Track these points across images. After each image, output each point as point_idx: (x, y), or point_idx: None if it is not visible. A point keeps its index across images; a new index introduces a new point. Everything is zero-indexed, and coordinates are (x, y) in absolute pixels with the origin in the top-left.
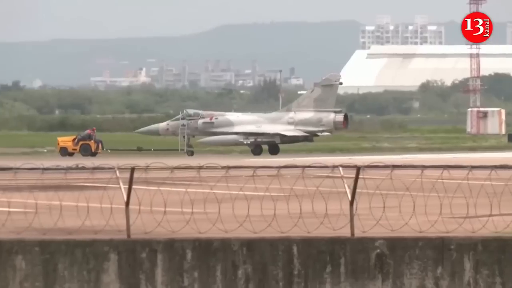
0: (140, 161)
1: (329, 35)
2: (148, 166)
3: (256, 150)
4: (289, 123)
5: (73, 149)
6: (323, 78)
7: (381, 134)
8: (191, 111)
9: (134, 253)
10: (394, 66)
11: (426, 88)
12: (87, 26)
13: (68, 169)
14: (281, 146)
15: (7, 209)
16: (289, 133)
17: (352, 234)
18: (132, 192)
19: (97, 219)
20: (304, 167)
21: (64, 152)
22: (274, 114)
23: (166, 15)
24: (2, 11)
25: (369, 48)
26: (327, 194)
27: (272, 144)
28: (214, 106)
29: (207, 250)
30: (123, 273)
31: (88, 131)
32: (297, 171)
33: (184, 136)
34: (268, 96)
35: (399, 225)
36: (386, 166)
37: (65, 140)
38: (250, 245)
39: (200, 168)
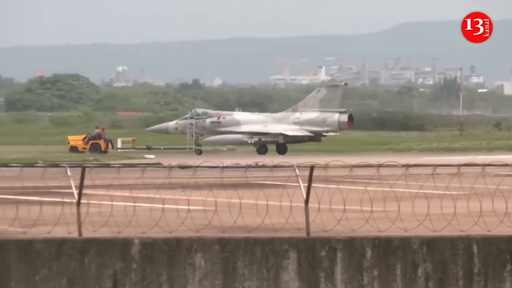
0: (315, 159)
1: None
2: (328, 164)
3: (261, 149)
4: (295, 123)
5: (83, 148)
6: (329, 79)
7: None
8: (199, 110)
9: (313, 251)
10: None
11: None
12: (267, 25)
13: (247, 167)
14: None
15: (186, 207)
16: (293, 133)
17: None
18: (311, 190)
19: (277, 217)
20: (484, 165)
21: (74, 151)
22: (280, 114)
23: (344, 14)
24: (190, 11)
25: None
26: (508, 193)
27: (280, 144)
28: (394, 104)
29: (387, 248)
30: (303, 271)
31: (98, 131)
32: (477, 169)
33: (192, 135)
34: (448, 94)
35: None
36: None
37: (76, 139)
38: (430, 243)
39: (379, 166)
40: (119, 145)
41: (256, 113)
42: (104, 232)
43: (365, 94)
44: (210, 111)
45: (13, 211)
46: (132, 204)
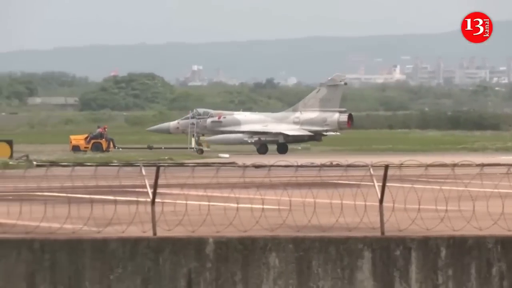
0: (389, 158)
1: None
2: (402, 164)
3: (262, 149)
4: (295, 123)
5: (85, 147)
6: (329, 78)
7: None
8: (201, 110)
9: (388, 250)
10: None
11: None
12: (342, 24)
13: (322, 166)
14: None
15: (261, 206)
16: (292, 132)
17: None
18: (386, 189)
19: (351, 216)
20: None
21: (77, 150)
22: (281, 114)
23: (420, 13)
24: (266, 10)
25: None
26: None
27: (280, 143)
28: (468, 103)
29: (462, 247)
30: (377, 271)
31: (99, 130)
32: None
33: (193, 135)
34: None
35: None
36: None
37: (78, 138)
38: (505, 242)
39: (454, 165)
40: (193, 143)
41: (257, 112)
42: (179, 231)
43: (440, 93)
44: (211, 111)
45: (88, 211)
46: (207, 203)
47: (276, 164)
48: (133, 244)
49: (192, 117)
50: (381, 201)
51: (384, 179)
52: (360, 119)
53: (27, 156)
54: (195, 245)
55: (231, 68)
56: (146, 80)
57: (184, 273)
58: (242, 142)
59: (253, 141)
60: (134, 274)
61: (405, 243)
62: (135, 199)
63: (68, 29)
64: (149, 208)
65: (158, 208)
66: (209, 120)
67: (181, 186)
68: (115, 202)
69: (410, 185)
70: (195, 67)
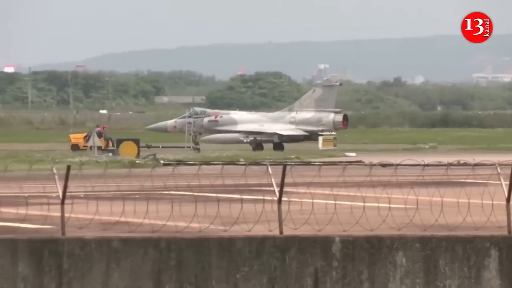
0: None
1: None
2: None
3: (257, 148)
4: (291, 123)
5: (84, 146)
6: (324, 79)
7: None
8: (198, 109)
9: None
10: None
11: None
12: None
13: (449, 165)
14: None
15: (387, 205)
16: (288, 132)
17: None
18: None
19: (478, 215)
20: None
21: (76, 148)
22: (277, 114)
23: None
24: (396, 8)
25: None
26: None
27: (276, 143)
28: None
29: None
30: (504, 270)
31: (98, 129)
32: None
33: (190, 134)
34: None
35: None
36: None
37: (77, 137)
38: None
39: None
40: (320, 144)
41: (253, 112)
42: (305, 230)
43: None
44: (208, 110)
45: (214, 209)
46: (333, 202)
47: (403, 162)
48: (259, 243)
49: (189, 116)
50: (508, 200)
51: None
52: (487, 118)
53: (154, 155)
54: (321, 244)
55: (358, 67)
56: (273, 79)
57: (310, 272)
58: (238, 142)
59: (248, 140)
60: (260, 273)
61: None
62: (261, 197)
63: (192, 28)
64: (275, 207)
65: (284, 207)
66: (206, 119)
67: (308, 185)
68: (241, 200)
69: None
70: (321, 66)
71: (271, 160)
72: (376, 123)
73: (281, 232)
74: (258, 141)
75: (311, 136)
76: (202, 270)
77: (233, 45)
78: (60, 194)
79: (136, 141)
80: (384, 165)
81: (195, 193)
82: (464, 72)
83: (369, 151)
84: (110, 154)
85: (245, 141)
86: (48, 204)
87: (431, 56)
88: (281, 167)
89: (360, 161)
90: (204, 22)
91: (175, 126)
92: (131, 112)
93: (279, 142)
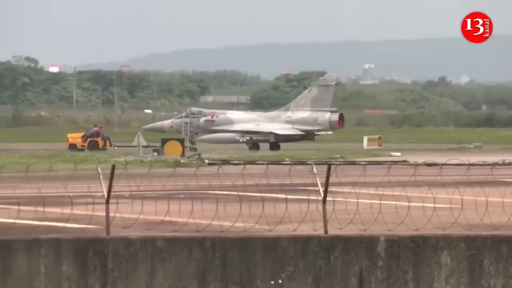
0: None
1: None
2: None
3: (253, 148)
4: (287, 122)
5: (82, 146)
6: (320, 78)
7: None
8: (194, 109)
9: None
10: None
11: None
12: None
13: (494, 165)
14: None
15: (432, 204)
16: (284, 131)
17: None
18: None
19: None
20: None
21: (73, 148)
22: (273, 113)
23: None
24: (435, 9)
25: None
26: None
27: (272, 143)
28: None
29: None
30: None
31: (96, 129)
32: None
33: (187, 134)
34: None
35: None
36: None
37: (75, 136)
38: None
39: None
40: (365, 144)
41: (249, 112)
42: (350, 230)
43: None
44: (205, 110)
45: (259, 209)
46: (378, 201)
47: (448, 162)
48: (304, 243)
49: (186, 116)
50: None
51: None
52: None
53: (199, 154)
54: (366, 243)
55: (403, 66)
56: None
57: (355, 272)
58: (234, 141)
59: (244, 140)
60: (305, 272)
61: None
62: (306, 197)
63: (238, 28)
64: (320, 206)
65: (329, 207)
66: (202, 119)
67: (353, 184)
68: (286, 200)
69: None
70: (366, 66)
71: (316, 160)
72: (421, 123)
73: (326, 232)
74: (254, 140)
75: (308, 136)
76: (247, 270)
77: (278, 45)
78: (105, 193)
79: (181, 141)
80: (429, 165)
81: (240, 193)
82: (509, 71)
83: (414, 150)
84: (155, 153)
85: (241, 140)
86: (93, 203)
87: (476, 56)
88: (325, 166)
89: (405, 161)
90: (249, 22)
91: (172, 126)
92: (176, 112)
93: (275, 141)
